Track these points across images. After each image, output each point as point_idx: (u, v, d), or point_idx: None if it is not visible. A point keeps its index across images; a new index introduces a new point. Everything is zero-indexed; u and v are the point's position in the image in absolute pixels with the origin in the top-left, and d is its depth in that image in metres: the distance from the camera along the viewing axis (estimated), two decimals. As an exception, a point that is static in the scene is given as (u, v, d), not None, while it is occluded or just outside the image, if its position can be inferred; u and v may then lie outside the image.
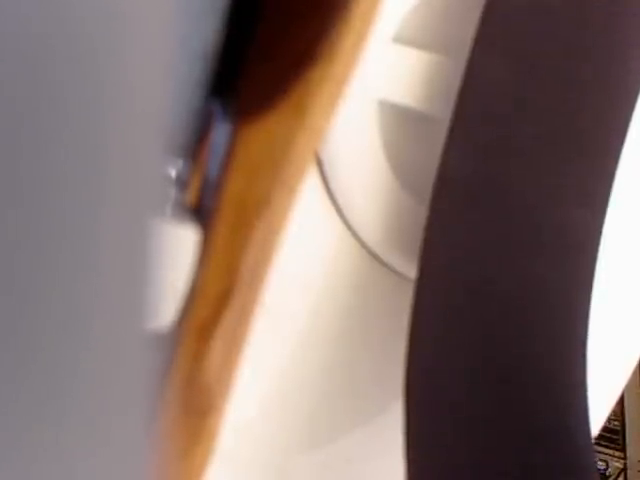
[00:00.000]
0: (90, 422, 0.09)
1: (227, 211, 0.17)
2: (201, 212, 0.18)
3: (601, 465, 1.02)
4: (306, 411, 0.25)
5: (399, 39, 0.22)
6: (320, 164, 0.23)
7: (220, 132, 0.18)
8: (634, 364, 0.31)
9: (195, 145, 0.18)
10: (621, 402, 1.02)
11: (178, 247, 0.17)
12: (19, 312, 0.08)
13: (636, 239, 0.29)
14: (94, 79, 0.09)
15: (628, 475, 1.05)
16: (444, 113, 0.22)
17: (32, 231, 0.08)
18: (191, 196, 0.18)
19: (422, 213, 0.22)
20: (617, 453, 1.05)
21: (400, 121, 0.23)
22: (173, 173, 0.18)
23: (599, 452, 1.01)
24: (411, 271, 0.22)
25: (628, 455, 1.05)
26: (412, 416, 0.22)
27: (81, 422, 0.09)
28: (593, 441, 0.23)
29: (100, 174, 0.09)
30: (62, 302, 0.09)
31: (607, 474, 1.04)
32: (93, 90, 0.09)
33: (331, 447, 0.26)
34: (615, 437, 1.04)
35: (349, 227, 0.24)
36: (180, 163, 0.18)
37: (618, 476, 1.05)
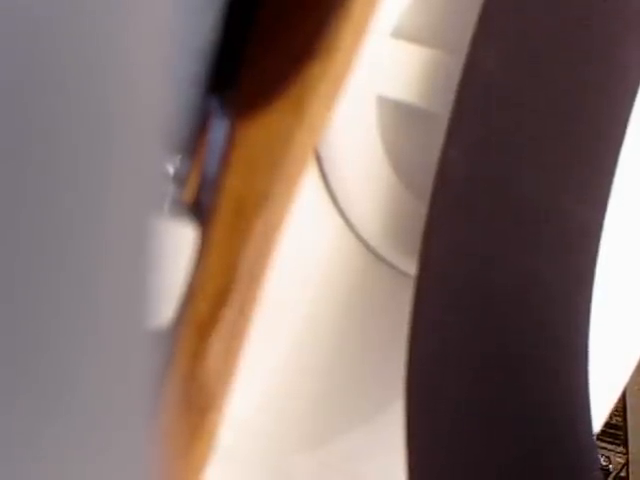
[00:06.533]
0: (91, 420, 0.09)
1: (225, 208, 0.17)
2: (199, 209, 0.18)
3: (603, 461, 1.02)
4: (305, 409, 0.25)
5: (398, 34, 0.22)
6: (319, 160, 0.23)
7: (218, 129, 0.18)
8: (636, 360, 0.31)
9: (193, 142, 0.18)
10: (623, 398, 1.02)
11: (176, 244, 0.17)
12: (20, 310, 0.08)
13: (637, 238, 0.29)
14: (93, 75, 0.08)
15: (630, 470, 1.05)
16: (443, 109, 0.22)
17: (33, 229, 0.08)
18: (189, 193, 0.18)
19: (422, 209, 0.22)
20: (619, 449, 1.05)
21: (399, 117, 0.23)
22: (171, 170, 0.18)
23: (601, 448, 1.01)
24: (411, 267, 0.22)
25: (630, 450, 1.05)
26: (413, 414, 0.22)
27: (82, 420, 0.09)
28: (595, 437, 0.23)
29: (100, 171, 0.09)
30: (62, 299, 0.09)
31: (609, 470, 1.04)
32: (93, 86, 0.09)
33: (330, 446, 0.26)
34: (617, 433, 1.05)
35: (348, 223, 0.24)
36: (178, 160, 0.18)
37: (620, 471, 1.05)
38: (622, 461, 1.06)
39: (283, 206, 0.18)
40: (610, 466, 1.06)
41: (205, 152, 0.18)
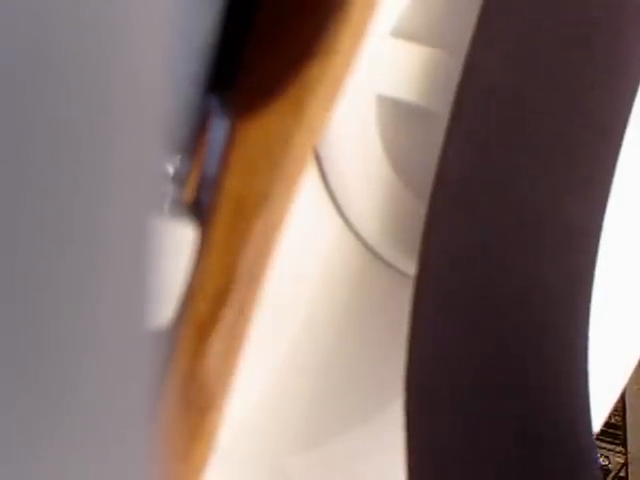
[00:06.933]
0: (91, 420, 0.09)
1: (225, 208, 0.17)
2: (199, 209, 0.18)
3: (602, 460, 1.02)
4: (304, 409, 0.25)
5: (397, 34, 0.22)
6: (319, 160, 0.23)
7: (218, 128, 0.18)
8: (635, 361, 0.31)
9: (193, 141, 0.18)
10: (622, 397, 1.02)
11: (176, 244, 0.17)
12: (20, 310, 0.08)
13: (636, 238, 0.29)
14: (94, 75, 0.08)
15: (630, 470, 1.05)
16: (443, 108, 0.22)
17: (33, 228, 0.08)
18: (189, 193, 0.18)
19: (421, 208, 0.22)
20: (618, 448, 1.05)
21: (398, 116, 0.23)
22: (171, 170, 0.18)
23: (600, 447, 1.01)
24: (410, 267, 0.22)
25: (629, 450, 1.05)
26: (412, 414, 0.22)
27: (82, 420, 0.09)
28: (594, 437, 0.23)
29: (100, 171, 0.09)
30: (62, 299, 0.09)
31: (609, 469, 1.04)
32: (93, 86, 0.09)
33: (329, 446, 0.26)
34: (616, 432, 1.05)
35: (348, 223, 0.24)
36: (178, 160, 0.18)
37: (619, 471, 1.05)
38: (621, 461, 1.06)
39: (283, 206, 0.18)
40: (609, 466, 1.06)
41: (205, 152, 0.18)
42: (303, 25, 0.17)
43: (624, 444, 1.06)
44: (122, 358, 0.09)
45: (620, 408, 1.04)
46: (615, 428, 1.05)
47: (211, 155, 0.18)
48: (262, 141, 0.17)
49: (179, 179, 0.18)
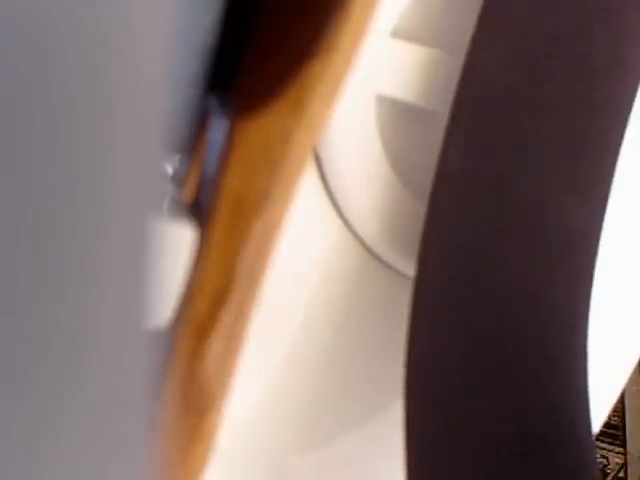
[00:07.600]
0: (89, 420, 0.09)
1: (224, 208, 0.17)
2: (198, 209, 0.18)
3: (601, 461, 1.03)
4: (303, 410, 0.25)
5: (397, 34, 0.22)
6: (318, 160, 0.23)
7: (218, 128, 0.18)
8: (635, 362, 0.31)
9: (192, 141, 0.18)
10: (621, 398, 1.02)
11: (175, 244, 0.17)
12: (20, 309, 0.08)
13: (636, 239, 0.29)
14: (93, 75, 0.08)
15: (629, 470, 1.05)
16: (443, 108, 0.22)
17: (32, 228, 0.08)
18: (188, 193, 0.18)
19: (420, 208, 0.22)
20: (617, 449, 1.05)
21: (398, 116, 0.23)
22: (170, 170, 0.18)
23: (600, 448, 1.01)
24: (409, 268, 0.22)
25: (629, 450, 1.05)
26: (412, 414, 0.22)
27: (81, 420, 0.09)
28: (594, 437, 0.23)
29: (100, 171, 0.09)
30: (61, 299, 0.09)
31: (607, 470, 1.04)
32: (92, 86, 0.09)
33: (328, 447, 0.26)
34: (616, 433, 1.05)
35: (347, 223, 0.24)
36: (177, 159, 0.18)
37: (618, 472, 1.05)
38: (620, 461, 1.07)
39: (282, 206, 0.18)
40: (608, 466, 1.06)
41: (204, 152, 0.18)
42: (303, 25, 0.17)
43: (623, 445, 1.06)
44: (121, 358, 0.09)
45: (619, 409, 1.04)
46: (614, 429, 1.05)
47: (211, 155, 0.18)
48: (262, 141, 0.17)
49: (178, 179, 0.18)
